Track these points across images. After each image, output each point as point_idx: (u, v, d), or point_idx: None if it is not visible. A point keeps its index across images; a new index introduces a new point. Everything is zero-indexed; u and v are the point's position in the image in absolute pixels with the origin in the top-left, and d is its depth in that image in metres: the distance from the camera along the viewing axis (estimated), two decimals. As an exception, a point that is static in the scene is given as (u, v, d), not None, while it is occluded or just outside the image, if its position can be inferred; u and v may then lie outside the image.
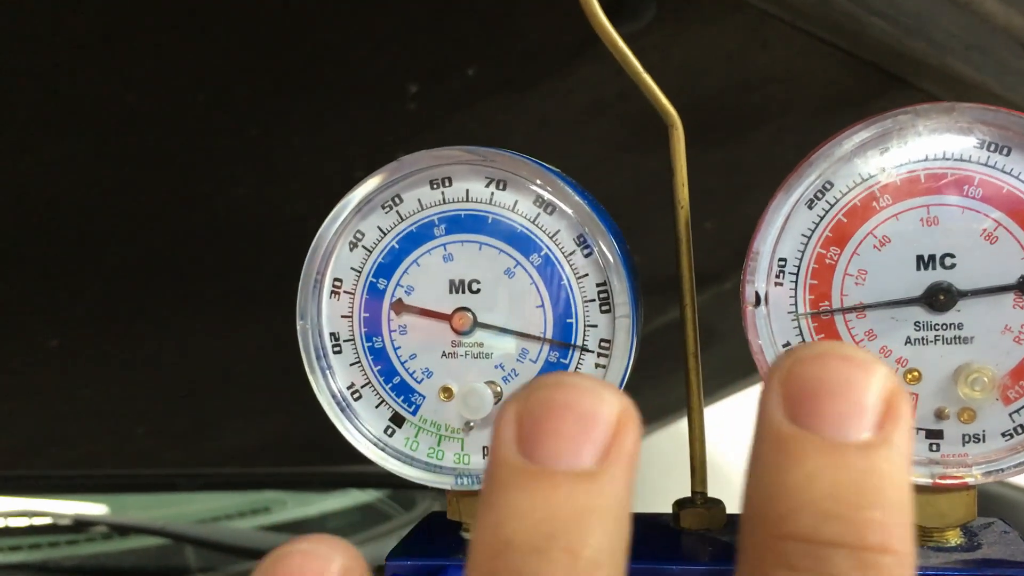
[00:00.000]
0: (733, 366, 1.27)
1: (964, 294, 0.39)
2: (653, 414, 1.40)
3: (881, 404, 0.23)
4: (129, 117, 0.80)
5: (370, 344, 0.44)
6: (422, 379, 0.43)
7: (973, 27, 0.76)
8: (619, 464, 0.23)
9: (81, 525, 1.33)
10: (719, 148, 0.95)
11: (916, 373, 0.39)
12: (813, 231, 0.40)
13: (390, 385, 0.44)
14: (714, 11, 0.78)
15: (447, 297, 0.43)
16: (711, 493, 0.45)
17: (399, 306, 0.43)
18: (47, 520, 1.34)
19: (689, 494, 0.45)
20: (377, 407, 0.44)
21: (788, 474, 0.23)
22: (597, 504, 0.23)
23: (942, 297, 0.39)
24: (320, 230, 0.43)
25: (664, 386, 1.14)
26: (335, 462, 1.40)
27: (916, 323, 0.39)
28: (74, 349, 1.09)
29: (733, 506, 0.45)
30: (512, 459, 0.23)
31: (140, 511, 1.47)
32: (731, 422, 1.46)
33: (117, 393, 1.19)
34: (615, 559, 0.23)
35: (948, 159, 0.39)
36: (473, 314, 0.42)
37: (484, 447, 0.43)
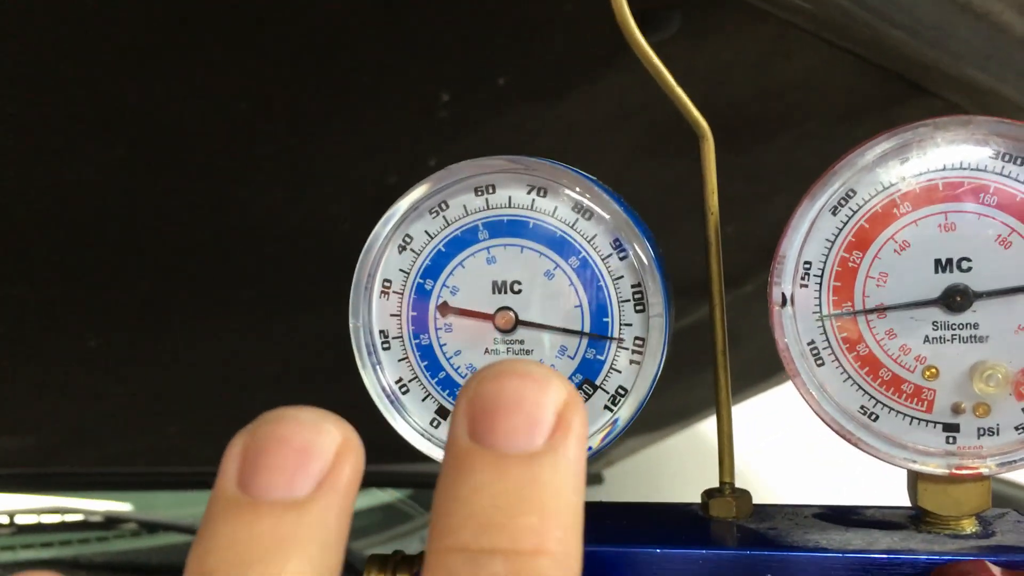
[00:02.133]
0: (752, 368, 1.29)
1: (980, 295, 0.41)
2: (677, 415, 1.42)
3: (552, 417, 0.24)
4: (170, 125, 0.82)
5: (417, 341, 0.46)
6: (466, 374, 0.46)
7: (991, 38, 0.78)
8: (332, 494, 0.24)
9: (111, 522, 1.35)
10: (742, 154, 0.97)
11: (934, 370, 0.42)
12: (837, 236, 0.42)
13: (436, 380, 0.46)
14: (738, 22, 0.80)
15: (490, 297, 0.45)
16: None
17: (445, 306, 0.46)
18: (78, 517, 1.36)
19: (716, 485, 0.47)
20: (424, 400, 0.47)
21: (458, 488, 0.24)
22: (301, 533, 0.23)
23: (959, 298, 0.41)
24: (372, 234, 0.46)
25: (687, 387, 1.16)
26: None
27: (934, 323, 0.42)
28: (112, 349, 1.12)
29: (758, 497, 0.47)
30: (229, 492, 0.24)
31: (169, 509, 1.50)
32: (751, 423, 1.48)
33: (151, 392, 1.21)
34: None
35: (965, 168, 0.41)
36: (515, 313, 0.45)
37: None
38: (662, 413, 1.53)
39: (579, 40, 0.81)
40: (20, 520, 1.33)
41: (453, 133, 0.90)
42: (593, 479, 1.78)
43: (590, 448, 0.44)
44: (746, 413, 1.39)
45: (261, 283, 1.07)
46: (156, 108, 0.80)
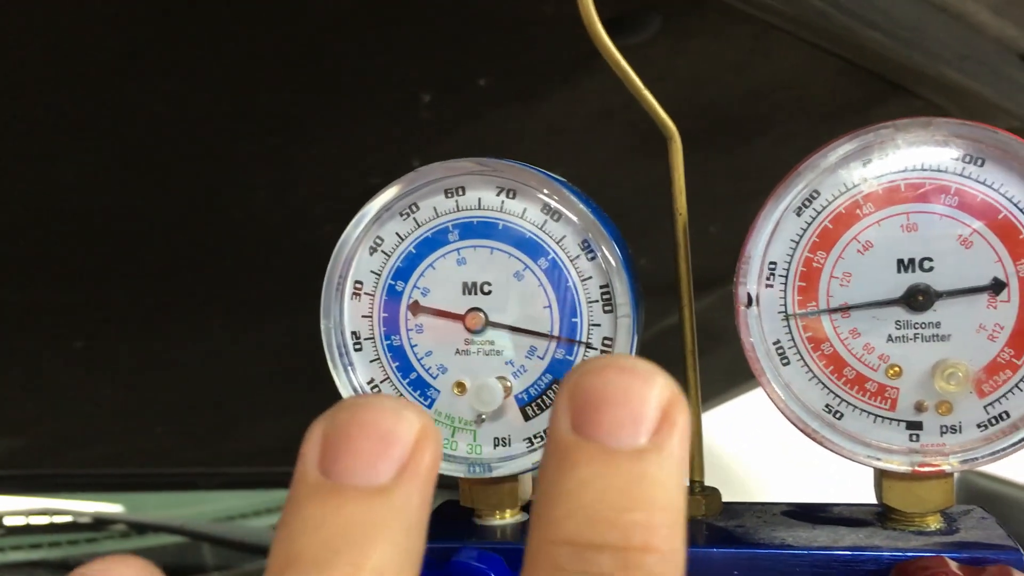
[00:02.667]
0: (739, 367, 1.29)
1: (941, 295, 0.41)
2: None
3: (657, 413, 0.24)
4: (155, 126, 0.83)
5: (389, 342, 0.47)
6: (437, 375, 0.46)
7: (967, 38, 0.79)
8: (414, 481, 0.24)
9: (100, 523, 1.35)
10: (725, 154, 0.97)
11: (897, 369, 0.42)
12: (801, 236, 0.43)
13: (407, 380, 0.47)
14: (717, 22, 0.81)
15: (460, 298, 0.46)
16: (711, 483, 0.48)
17: (416, 307, 0.46)
18: (67, 518, 1.36)
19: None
20: (395, 401, 0.47)
21: (564, 481, 0.24)
22: (386, 519, 0.23)
23: (921, 298, 0.41)
24: (343, 236, 0.46)
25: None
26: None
27: (897, 322, 0.42)
28: (98, 350, 1.12)
29: (728, 495, 0.48)
30: (311, 476, 0.24)
31: (158, 510, 1.50)
32: (733, 420, 1.49)
33: (138, 393, 1.22)
34: (403, 571, 0.24)
35: (926, 170, 0.41)
36: (485, 314, 0.45)
37: (495, 438, 0.46)
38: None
39: (560, 41, 0.81)
40: (8, 522, 1.33)
41: (435, 134, 0.90)
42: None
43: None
44: (736, 411, 1.39)
45: (247, 284, 1.07)
46: (138, 109, 0.81)
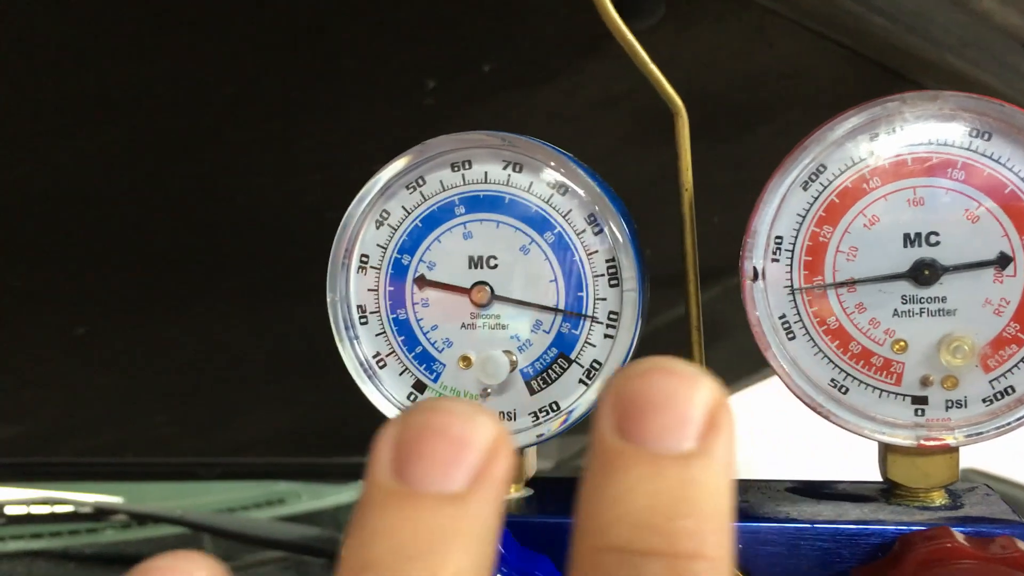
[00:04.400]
0: (741, 360, 1.29)
1: (947, 269, 0.41)
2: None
3: (703, 417, 0.23)
4: (156, 110, 0.83)
5: (394, 316, 0.47)
6: (443, 348, 0.46)
7: (971, 25, 0.78)
8: (488, 488, 0.24)
9: (101, 513, 1.35)
10: (727, 143, 0.97)
11: (903, 343, 0.42)
12: (808, 211, 0.43)
13: (413, 354, 0.47)
14: (720, 9, 0.80)
15: (466, 272, 0.46)
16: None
17: (422, 281, 0.46)
18: (68, 508, 1.36)
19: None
20: (401, 375, 0.47)
21: (609, 486, 0.23)
22: (461, 527, 0.23)
23: (927, 272, 0.41)
24: (348, 209, 0.46)
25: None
26: (349, 453, 1.42)
27: (903, 296, 0.42)
28: (99, 337, 1.12)
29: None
30: (384, 480, 0.24)
31: (159, 500, 1.49)
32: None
33: (138, 382, 1.21)
34: None
35: (933, 144, 0.41)
36: (491, 288, 0.45)
37: (501, 412, 0.46)
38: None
39: (564, 26, 0.81)
40: (9, 511, 1.33)
41: (439, 120, 0.90)
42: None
43: (567, 421, 0.45)
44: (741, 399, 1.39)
45: (249, 271, 1.07)
46: (141, 93, 0.80)
